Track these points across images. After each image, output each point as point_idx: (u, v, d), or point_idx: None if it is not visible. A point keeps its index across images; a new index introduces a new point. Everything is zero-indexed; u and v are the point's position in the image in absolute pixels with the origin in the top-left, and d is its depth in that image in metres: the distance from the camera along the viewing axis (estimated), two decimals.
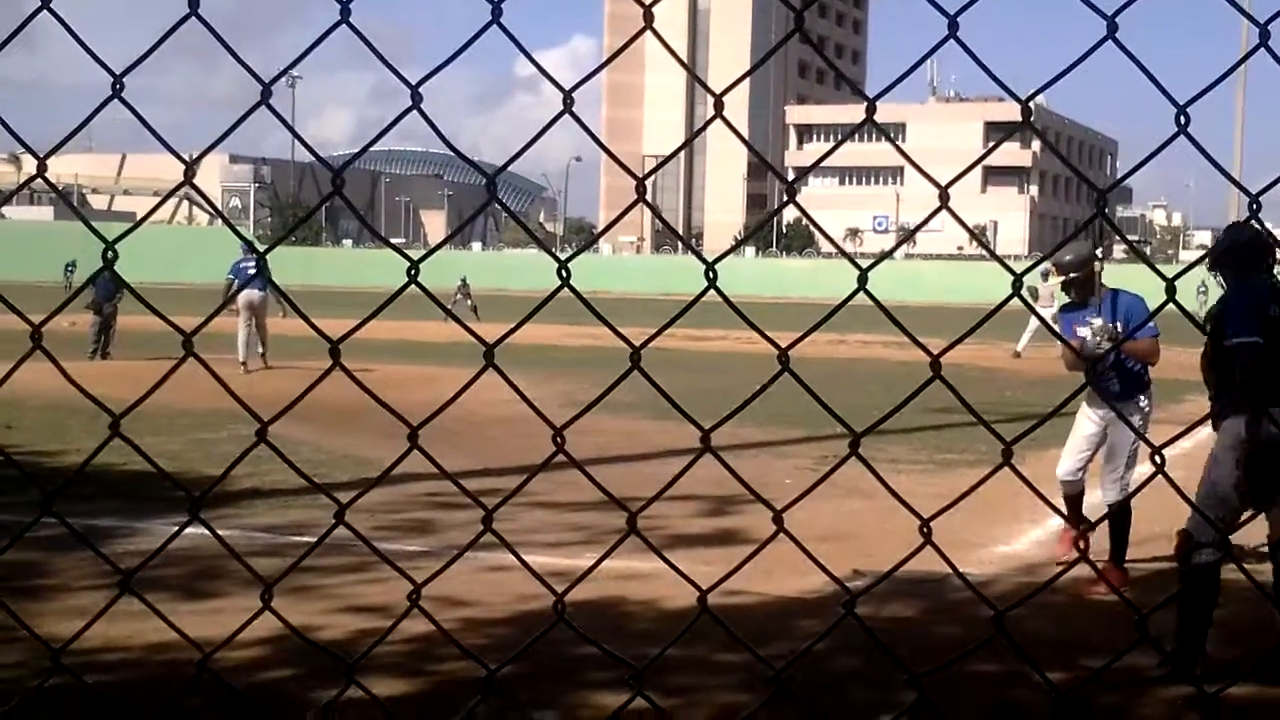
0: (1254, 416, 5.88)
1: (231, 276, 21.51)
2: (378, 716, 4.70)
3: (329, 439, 12.36)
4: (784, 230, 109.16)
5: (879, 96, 1.73)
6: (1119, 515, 7.63)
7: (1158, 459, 1.88)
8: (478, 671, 5.37)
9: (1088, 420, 8.06)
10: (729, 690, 5.71)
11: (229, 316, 20.67)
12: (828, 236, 1.95)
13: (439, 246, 2.15)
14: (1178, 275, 1.80)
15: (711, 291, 1.84)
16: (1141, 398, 7.81)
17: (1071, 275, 7.83)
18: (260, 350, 21.25)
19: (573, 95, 1.73)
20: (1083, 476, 8.07)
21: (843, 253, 1.96)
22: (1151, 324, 7.49)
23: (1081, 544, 1.98)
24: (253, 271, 20.63)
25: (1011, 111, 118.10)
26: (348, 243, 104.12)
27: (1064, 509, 8.16)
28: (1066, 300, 8.02)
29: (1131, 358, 7.75)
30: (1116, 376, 7.78)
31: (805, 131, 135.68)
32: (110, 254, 1.78)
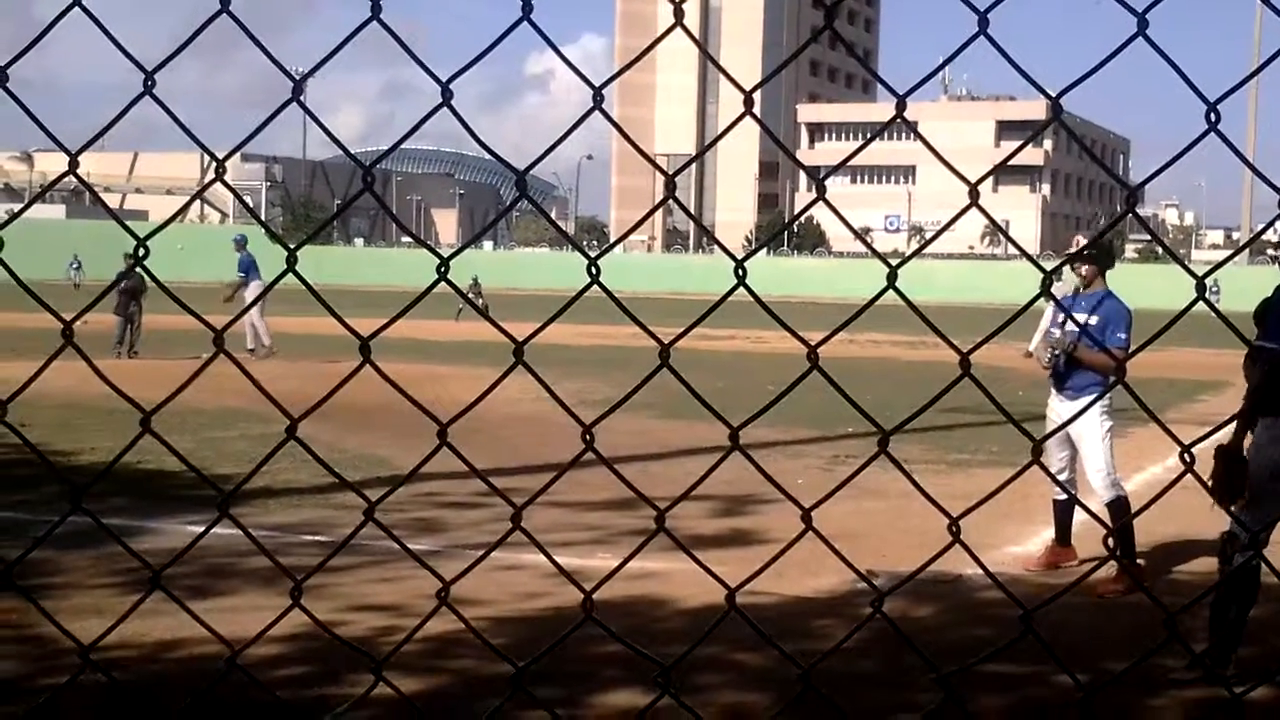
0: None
1: (244, 274, 22.92)
2: (394, 714, 4.71)
3: (344, 438, 12.37)
4: (795, 230, 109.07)
5: (909, 93, 1.72)
6: (1119, 511, 7.61)
7: (1186, 457, 1.86)
8: (492, 669, 5.39)
9: (1052, 413, 8.12)
10: (741, 689, 5.71)
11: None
12: (859, 236, 1.94)
13: (469, 244, 2.15)
14: (1208, 273, 1.79)
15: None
16: (1096, 389, 7.77)
17: (1091, 252, 7.97)
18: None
19: (602, 93, 1.72)
20: (1069, 477, 8.03)
21: (874, 252, 1.95)
22: (1123, 336, 7.75)
23: (1110, 542, 1.96)
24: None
25: (1023, 110, 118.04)
26: (359, 241, 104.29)
27: (1058, 516, 8.17)
28: (1075, 280, 8.27)
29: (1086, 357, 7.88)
30: (1074, 370, 7.93)
31: (817, 130, 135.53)
32: (141, 251, 1.78)
